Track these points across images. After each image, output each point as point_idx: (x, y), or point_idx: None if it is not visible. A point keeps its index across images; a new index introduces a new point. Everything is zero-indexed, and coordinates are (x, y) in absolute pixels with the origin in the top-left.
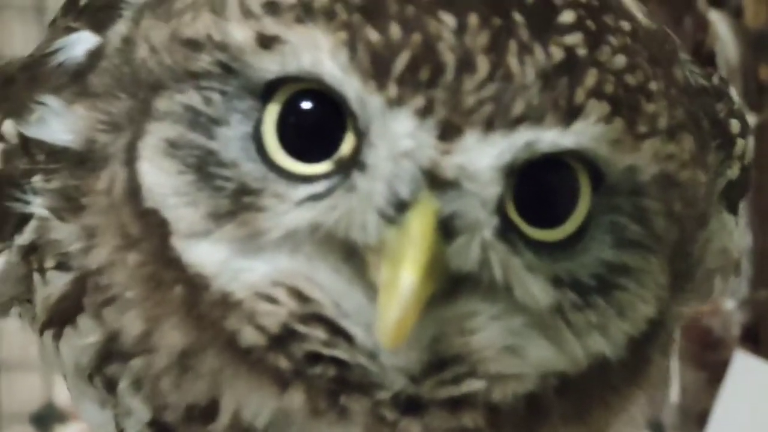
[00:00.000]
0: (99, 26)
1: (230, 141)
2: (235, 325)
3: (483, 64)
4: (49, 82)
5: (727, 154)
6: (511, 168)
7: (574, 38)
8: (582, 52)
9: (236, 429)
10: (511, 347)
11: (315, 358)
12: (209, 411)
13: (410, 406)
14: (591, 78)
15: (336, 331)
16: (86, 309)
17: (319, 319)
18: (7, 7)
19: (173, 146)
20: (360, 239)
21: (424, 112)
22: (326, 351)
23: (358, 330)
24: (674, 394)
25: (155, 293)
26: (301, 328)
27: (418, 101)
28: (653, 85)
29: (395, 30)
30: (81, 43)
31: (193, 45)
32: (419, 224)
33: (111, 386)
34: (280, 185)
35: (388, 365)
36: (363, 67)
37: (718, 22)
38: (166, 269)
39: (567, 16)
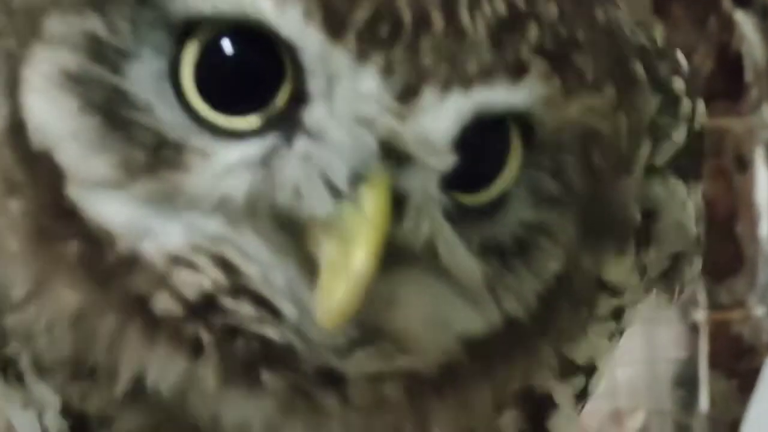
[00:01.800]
0: None
1: (142, 79)
2: (145, 289)
3: (438, 21)
4: None
5: (673, 115)
6: (461, 133)
7: None
8: (521, 3)
9: (137, 394)
10: (438, 319)
11: (236, 329)
12: (107, 374)
13: (330, 378)
14: (533, 33)
15: (262, 304)
16: None
17: (245, 291)
18: None
19: (72, 79)
20: (305, 212)
21: (386, 72)
22: (253, 327)
23: (286, 305)
24: (704, 403)
25: (44, 248)
26: (228, 302)
27: (379, 60)
28: (581, 35)
29: None
30: None
31: None
32: (375, 201)
33: (19, 376)
34: (203, 140)
35: (315, 341)
36: (317, 17)
37: (744, 22)
38: (58, 221)
39: None
